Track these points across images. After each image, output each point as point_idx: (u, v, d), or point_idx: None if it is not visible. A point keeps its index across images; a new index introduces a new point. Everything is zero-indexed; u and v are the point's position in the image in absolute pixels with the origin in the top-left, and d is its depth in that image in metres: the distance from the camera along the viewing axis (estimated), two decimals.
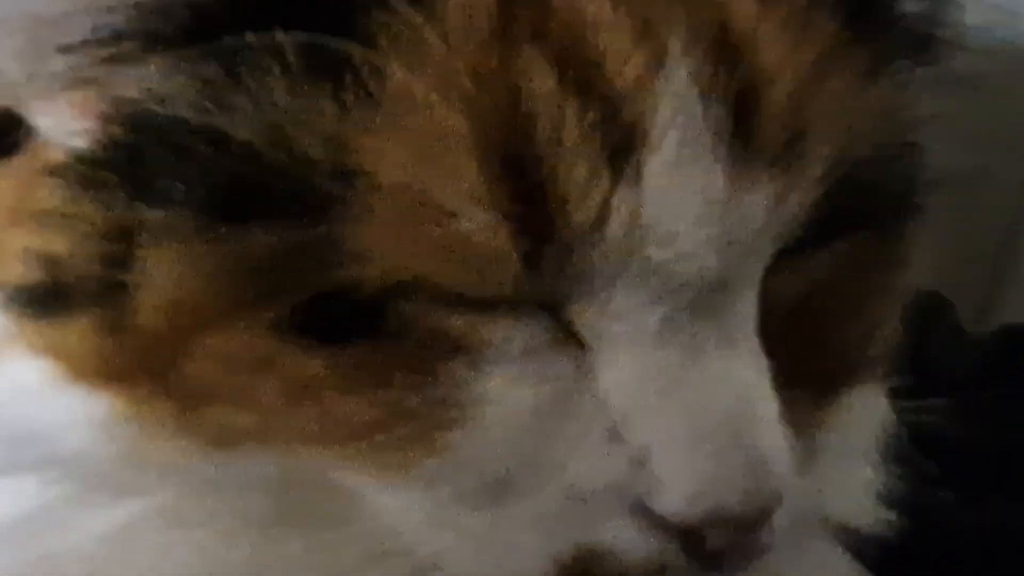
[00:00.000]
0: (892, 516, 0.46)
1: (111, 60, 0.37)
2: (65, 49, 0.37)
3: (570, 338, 0.37)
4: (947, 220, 0.43)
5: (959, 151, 0.41)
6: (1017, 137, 0.79)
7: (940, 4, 0.42)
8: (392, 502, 0.38)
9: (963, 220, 0.49)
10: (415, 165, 0.35)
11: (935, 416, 0.43)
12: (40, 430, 0.39)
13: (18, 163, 0.41)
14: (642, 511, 0.36)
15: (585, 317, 0.37)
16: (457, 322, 0.36)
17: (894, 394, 0.46)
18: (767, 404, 0.37)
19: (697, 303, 0.36)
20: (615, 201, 0.35)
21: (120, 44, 0.36)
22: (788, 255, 0.38)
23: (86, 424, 0.38)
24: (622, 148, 0.35)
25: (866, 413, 0.45)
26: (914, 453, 0.46)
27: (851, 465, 0.45)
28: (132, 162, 0.37)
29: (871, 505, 0.46)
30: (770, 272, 0.38)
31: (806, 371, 0.39)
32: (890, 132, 0.40)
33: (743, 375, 0.37)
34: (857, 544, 0.46)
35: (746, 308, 0.37)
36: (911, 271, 0.43)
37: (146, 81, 0.37)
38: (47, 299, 0.38)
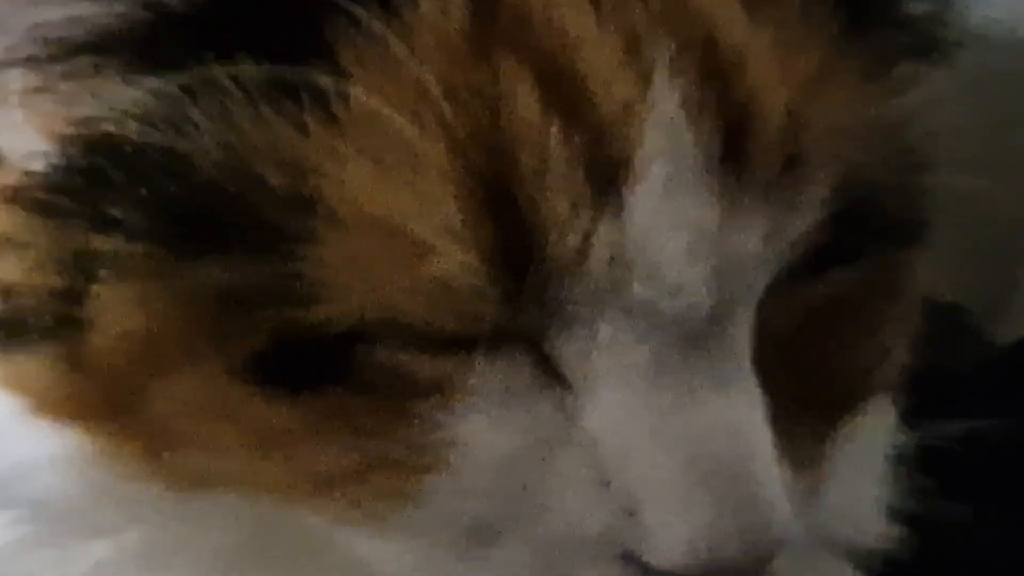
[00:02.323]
0: (902, 533, 0.44)
1: (65, 73, 0.35)
2: (17, 59, 0.35)
3: (554, 378, 0.35)
4: (959, 230, 0.40)
5: (967, 169, 0.38)
6: None
7: (944, 5, 0.39)
8: (371, 549, 0.36)
9: (975, 230, 0.46)
10: (383, 193, 0.33)
11: (951, 438, 0.42)
12: (7, 467, 0.38)
13: None
14: (632, 562, 0.35)
15: (569, 355, 0.35)
16: (431, 363, 0.34)
17: (909, 411, 0.44)
18: (764, 445, 0.35)
19: (688, 340, 0.34)
20: (598, 235, 0.33)
21: (74, 56, 0.35)
22: (787, 282, 0.36)
23: (54, 462, 0.38)
24: (606, 177, 0.33)
25: (875, 431, 0.43)
26: (924, 469, 0.44)
27: (859, 484, 0.44)
28: (90, 189, 0.36)
29: (880, 523, 0.44)
30: (768, 300, 0.36)
31: (810, 400, 0.38)
32: (895, 146, 0.37)
33: (739, 415, 0.35)
34: (867, 562, 0.44)
35: (740, 343, 0.35)
36: (923, 284, 0.41)
37: (103, 97, 0.35)
38: (4, 330, 0.37)
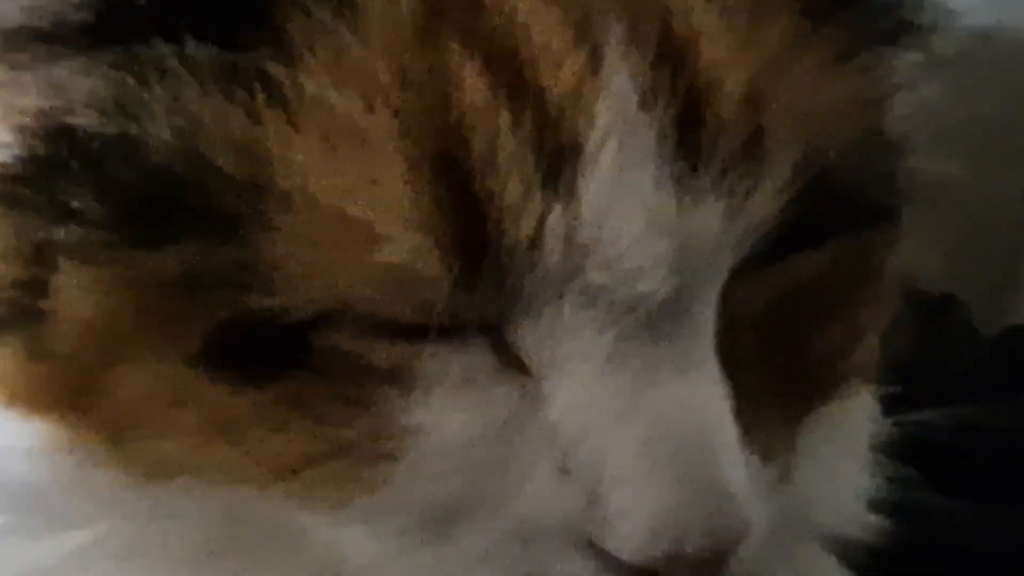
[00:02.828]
0: (884, 523, 0.44)
1: (23, 63, 0.35)
2: None
3: (513, 364, 0.35)
4: (955, 223, 0.40)
5: (948, 156, 0.38)
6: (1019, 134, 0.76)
7: None
8: (337, 537, 0.36)
9: (971, 222, 0.46)
10: (334, 179, 0.33)
11: (933, 427, 0.41)
12: None
13: None
14: (594, 550, 0.34)
15: (527, 342, 0.34)
16: (388, 350, 0.34)
17: (893, 400, 0.43)
18: (728, 431, 0.34)
19: (649, 325, 0.34)
20: (550, 219, 0.33)
21: (31, 46, 0.35)
22: (754, 266, 0.36)
23: (23, 452, 0.37)
24: (558, 160, 0.33)
25: (855, 419, 0.43)
26: (907, 458, 0.44)
27: (839, 472, 0.43)
28: (49, 178, 0.35)
29: (861, 512, 0.44)
30: (734, 284, 0.35)
31: (781, 387, 0.37)
32: (864, 128, 0.37)
33: (702, 402, 0.34)
34: (847, 551, 0.44)
35: (703, 328, 0.35)
36: (913, 271, 0.41)
37: (60, 86, 0.35)
38: None
